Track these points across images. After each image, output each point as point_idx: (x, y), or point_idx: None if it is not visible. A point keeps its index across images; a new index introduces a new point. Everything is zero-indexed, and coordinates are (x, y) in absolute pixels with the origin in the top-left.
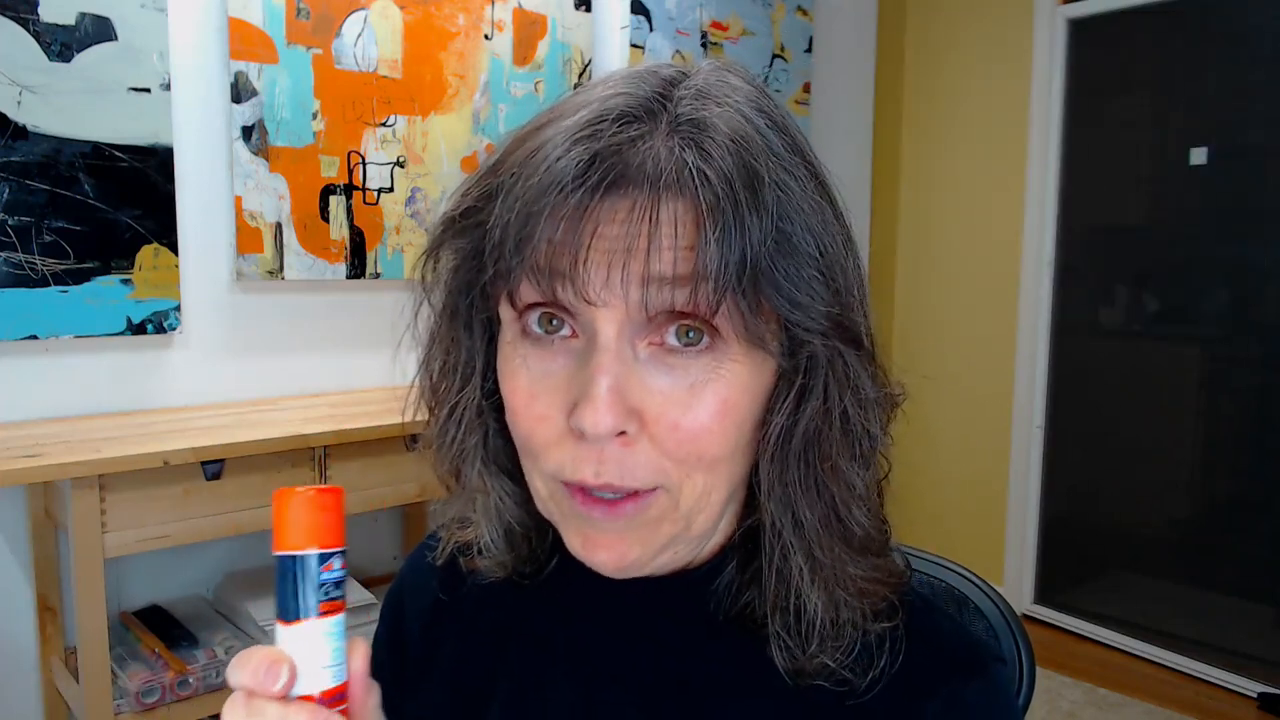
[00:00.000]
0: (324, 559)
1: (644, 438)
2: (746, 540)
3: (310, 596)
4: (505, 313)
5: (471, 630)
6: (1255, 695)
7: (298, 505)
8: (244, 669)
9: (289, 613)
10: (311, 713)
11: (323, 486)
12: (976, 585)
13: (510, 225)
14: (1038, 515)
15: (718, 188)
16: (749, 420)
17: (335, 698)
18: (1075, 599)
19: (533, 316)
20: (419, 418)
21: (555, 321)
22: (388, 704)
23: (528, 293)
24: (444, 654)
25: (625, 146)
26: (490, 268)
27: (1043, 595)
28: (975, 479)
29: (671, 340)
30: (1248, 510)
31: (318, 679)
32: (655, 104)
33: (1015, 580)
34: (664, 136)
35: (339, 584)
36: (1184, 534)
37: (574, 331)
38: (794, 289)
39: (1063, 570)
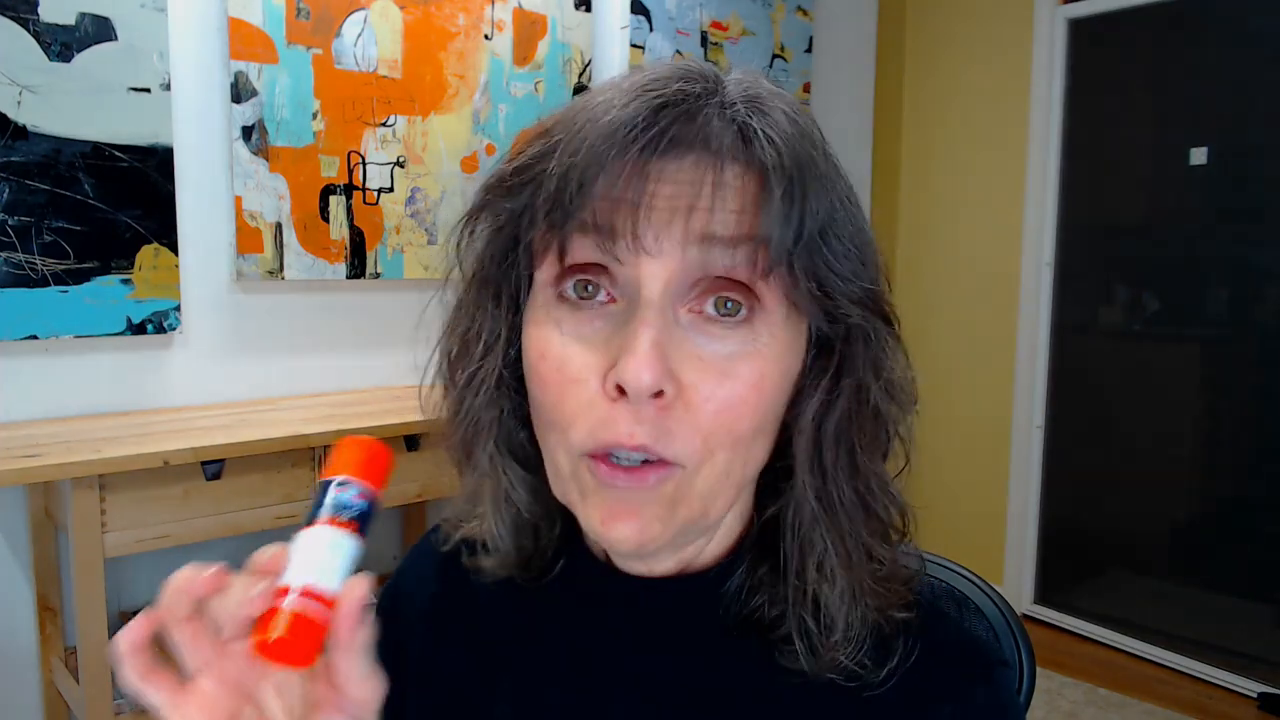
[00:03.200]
0: (339, 484)
1: (680, 405)
2: (758, 540)
3: (316, 509)
4: (544, 273)
5: (474, 632)
6: (1255, 695)
7: (335, 449)
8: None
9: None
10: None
11: (364, 438)
12: (976, 585)
13: (570, 173)
14: (1038, 515)
15: (782, 150)
16: (779, 400)
17: (319, 601)
18: (1075, 599)
19: (570, 282)
20: (436, 390)
21: (591, 287)
22: (388, 706)
23: (579, 247)
24: (446, 654)
25: (691, 101)
26: (541, 220)
27: (1043, 595)
28: (975, 479)
29: (710, 310)
30: (1248, 510)
31: (301, 576)
32: (707, 82)
33: (1015, 580)
34: (720, 108)
35: (348, 508)
36: (1184, 534)
37: (612, 296)
38: (838, 262)
39: (1063, 570)
